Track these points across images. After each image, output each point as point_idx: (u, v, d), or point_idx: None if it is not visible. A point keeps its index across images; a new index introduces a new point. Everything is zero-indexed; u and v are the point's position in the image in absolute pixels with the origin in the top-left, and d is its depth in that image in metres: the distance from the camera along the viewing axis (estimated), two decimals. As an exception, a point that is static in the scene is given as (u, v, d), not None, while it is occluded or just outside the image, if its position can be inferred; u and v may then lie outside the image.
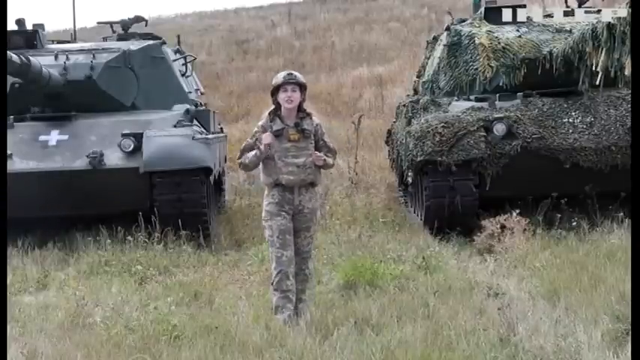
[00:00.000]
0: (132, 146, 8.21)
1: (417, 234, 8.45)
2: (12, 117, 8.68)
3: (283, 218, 5.29)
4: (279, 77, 5.30)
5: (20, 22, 9.92)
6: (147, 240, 7.83)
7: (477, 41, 8.97)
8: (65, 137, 8.47)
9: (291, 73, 5.32)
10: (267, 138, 5.25)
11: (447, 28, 9.68)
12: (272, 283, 5.31)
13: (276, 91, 5.29)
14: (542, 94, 8.42)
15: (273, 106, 5.39)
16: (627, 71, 7.51)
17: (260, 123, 5.38)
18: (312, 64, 22.26)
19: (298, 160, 5.29)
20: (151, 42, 10.16)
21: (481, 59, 8.84)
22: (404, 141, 9.02)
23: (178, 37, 12.00)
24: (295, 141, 5.29)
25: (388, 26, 26.49)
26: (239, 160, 5.44)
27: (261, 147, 5.24)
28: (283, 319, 5.18)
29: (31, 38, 9.59)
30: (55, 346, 4.99)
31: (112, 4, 55.92)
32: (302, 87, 5.32)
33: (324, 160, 5.40)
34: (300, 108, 5.34)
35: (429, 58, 10.67)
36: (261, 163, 5.38)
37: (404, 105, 9.63)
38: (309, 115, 5.39)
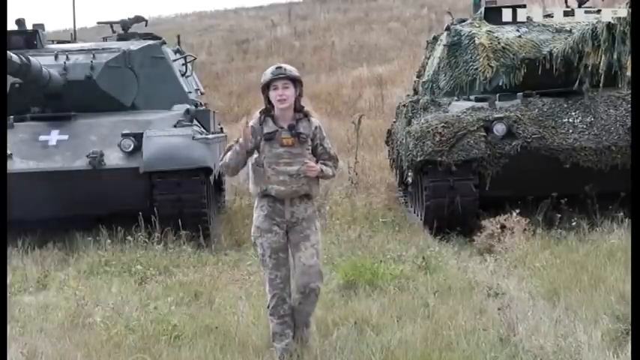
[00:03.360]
0: (132, 146, 8.21)
1: (417, 234, 8.45)
2: (12, 117, 8.68)
3: (275, 234, 4.59)
4: (267, 73, 4.57)
5: (20, 22, 9.93)
6: (147, 240, 7.83)
7: (477, 41, 8.97)
8: (65, 137, 8.47)
9: (280, 67, 4.56)
10: (247, 132, 4.56)
11: (447, 28, 9.68)
12: (268, 307, 4.67)
13: (266, 88, 4.59)
14: (542, 94, 8.42)
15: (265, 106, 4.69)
16: (627, 71, 7.54)
17: (250, 123, 4.67)
18: (312, 64, 22.28)
19: (291, 168, 4.55)
20: (150, 42, 10.16)
21: (481, 59, 8.84)
22: (404, 141, 9.02)
23: (178, 37, 12.00)
24: (289, 146, 4.57)
25: (388, 26, 26.52)
26: (221, 162, 4.77)
27: (240, 140, 4.58)
28: (282, 348, 4.62)
29: (31, 38, 9.59)
30: (55, 346, 4.99)
31: (112, 4, 56.04)
32: (295, 81, 4.57)
33: (321, 170, 4.66)
34: (296, 107, 4.63)
35: (429, 58, 10.67)
36: (250, 172, 4.70)
37: (404, 105, 9.63)
38: (306, 115, 4.66)
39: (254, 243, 4.73)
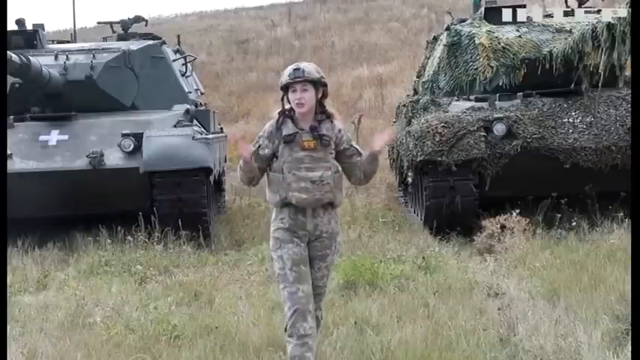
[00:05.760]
0: (132, 146, 8.21)
1: (417, 234, 8.45)
2: (12, 117, 8.68)
3: (296, 245, 4.16)
4: (285, 74, 4.18)
5: (20, 22, 9.95)
6: (147, 240, 7.83)
7: (476, 41, 8.97)
8: (65, 137, 8.47)
9: (298, 69, 4.14)
10: (245, 150, 4.15)
11: (447, 28, 9.69)
12: (285, 329, 4.13)
13: (285, 90, 4.20)
14: (542, 94, 8.42)
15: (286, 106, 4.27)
16: (627, 71, 7.54)
17: (267, 126, 4.25)
18: (313, 64, 22.27)
19: (314, 173, 4.13)
20: (150, 42, 10.17)
21: (481, 59, 8.85)
22: (404, 141, 9.02)
23: (178, 37, 12.02)
24: (311, 149, 4.15)
25: (388, 26, 26.54)
26: (239, 172, 4.34)
27: (245, 156, 4.17)
28: None
29: (31, 38, 9.62)
30: (55, 346, 4.99)
31: (112, 4, 56.05)
32: (317, 83, 4.17)
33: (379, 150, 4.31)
34: (320, 108, 4.23)
35: (429, 58, 10.67)
36: (266, 179, 4.29)
37: (404, 105, 9.63)
38: (329, 117, 4.24)
39: (271, 257, 4.31)
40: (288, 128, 4.18)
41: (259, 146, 4.23)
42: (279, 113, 4.24)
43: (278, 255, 4.19)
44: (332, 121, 4.25)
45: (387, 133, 4.34)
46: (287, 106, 4.23)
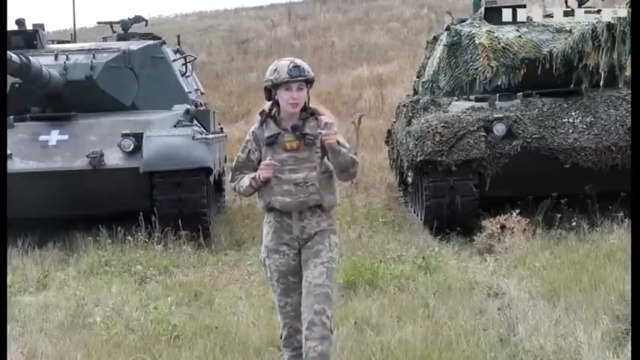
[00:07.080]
0: (132, 146, 8.21)
1: (417, 234, 8.45)
2: (12, 117, 8.68)
3: (283, 256, 4.00)
4: (282, 71, 3.89)
5: (20, 22, 9.95)
6: (147, 240, 7.83)
7: (476, 41, 8.97)
8: (65, 137, 8.47)
9: (298, 67, 3.90)
10: (266, 171, 3.91)
11: (447, 28, 9.68)
12: (280, 337, 4.14)
13: (274, 86, 3.95)
14: (542, 94, 8.42)
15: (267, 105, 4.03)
16: (627, 71, 7.55)
17: (251, 129, 4.05)
18: (312, 64, 21.94)
19: (297, 175, 3.93)
20: (150, 42, 10.17)
21: (481, 59, 8.85)
22: (404, 141, 9.02)
23: (178, 37, 12.02)
24: (293, 150, 3.94)
25: (388, 26, 26.53)
26: (232, 183, 4.12)
27: (259, 176, 3.94)
28: None
29: (31, 38, 9.62)
30: (55, 346, 4.99)
31: (112, 4, 56.06)
32: (310, 82, 3.97)
33: (338, 142, 3.91)
34: (304, 107, 3.99)
35: (429, 58, 10.67)
36: None
37: (404, 105, 9.63)
38: (314, 114, 3.99)
39: (262, 263, 4.12)
40: (270, 129, 3.97)
41: (249, 151, 4.03)
42: (260, 114, 4.03)
43: (267, 264, 4.07)
44: (317, 118, 3.99)
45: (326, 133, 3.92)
46: (266, 107, 4.00)
